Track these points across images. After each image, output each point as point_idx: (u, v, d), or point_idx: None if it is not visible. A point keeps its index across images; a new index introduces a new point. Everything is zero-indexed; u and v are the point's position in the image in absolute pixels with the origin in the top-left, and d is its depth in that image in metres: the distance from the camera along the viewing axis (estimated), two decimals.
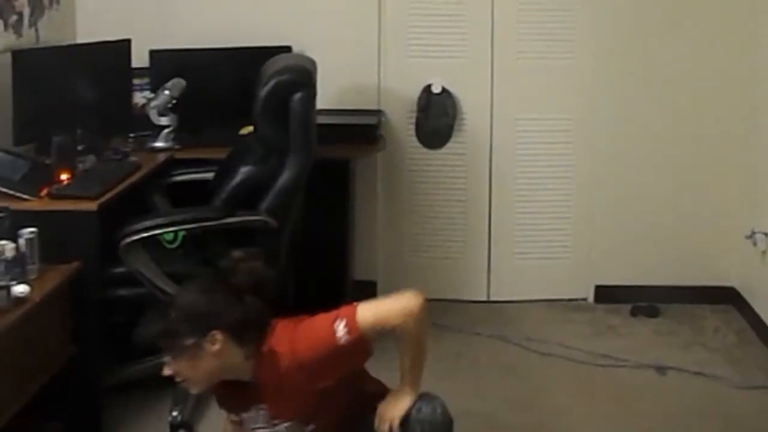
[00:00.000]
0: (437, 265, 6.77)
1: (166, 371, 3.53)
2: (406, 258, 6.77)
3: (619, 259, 6.72)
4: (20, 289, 3.92)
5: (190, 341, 3.42)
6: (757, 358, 5.84)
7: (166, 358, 3.50)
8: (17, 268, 4.00)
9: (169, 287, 4.79)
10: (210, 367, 3.50)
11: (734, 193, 6.53)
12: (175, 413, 4.86)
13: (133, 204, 5.04)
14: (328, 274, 6.05)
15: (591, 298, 6.78)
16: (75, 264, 4.44)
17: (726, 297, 6.64)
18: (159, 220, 4.90)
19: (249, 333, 3.54)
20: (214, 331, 3.43)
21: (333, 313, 3.61)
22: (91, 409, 4.71)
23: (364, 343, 3.64)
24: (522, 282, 6.76)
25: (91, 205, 4.55)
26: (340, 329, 3.52)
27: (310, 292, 5.79)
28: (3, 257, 3.93)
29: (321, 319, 3.62)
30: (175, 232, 4.97)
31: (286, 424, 3.64)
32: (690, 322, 6.41)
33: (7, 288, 3.86)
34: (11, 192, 4.55)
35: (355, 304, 3.64)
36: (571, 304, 6.74)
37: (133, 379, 5.22)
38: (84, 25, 6.43)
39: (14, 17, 5.61)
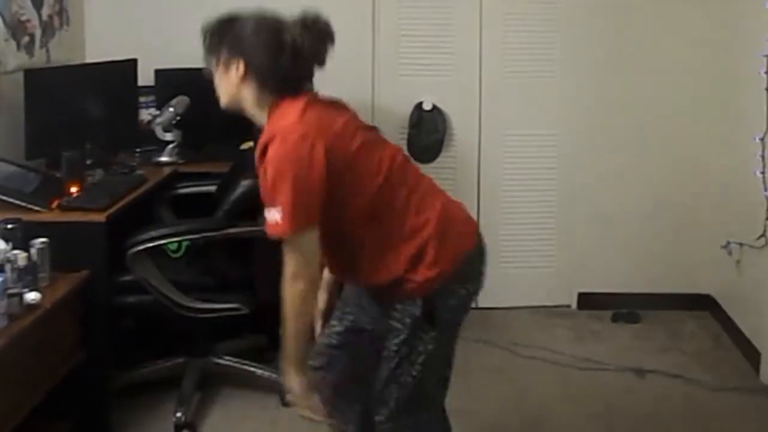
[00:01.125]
0: None
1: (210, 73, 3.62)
2: None
3: (600, 267, 6.74)
4: (32, 296, 3.92)
5: (225, 54, 3.51)
6: (731, 362, 5.85)
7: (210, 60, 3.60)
8: (29, 276, 3.99)
9: (173, 294, 4.80)
10: (230, 88, 3.56)
11: (710, 205, 6.54)
12: (179, 414, 4.86)
13: (139, 215, 5.04)
14: None
15: (574, 305, 6.80)
16: (84, 272, 4.43)
17: (702, 304, 6.66)
18: (164, 231, 4.90)
19: (268, 84, 3.52)
20: (240, 59, 3.48)
21: (286, 201, 3.25)
22: (99, 410, 4.70)
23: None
24: (508, 289, 6.74)
25: (100, 217, 4.55)
26: (274, 213, 3.27)
27: None
28: (16, 266, 3.93)
29: (280, 179, 3.28)
30: (179, 242, 4.97)
31: None
32: (668, 327, 6.42)
33: (20, 295, 3.86)
34: (23, 204, 4.54)
35: (290, 234, 3.30)
36: (555, 311, 6.75)
37: (140, 382, 5.23)
38: (92, 45, 6.44)
39: (26, 38, 5.61)
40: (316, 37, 3.63)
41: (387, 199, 3.52)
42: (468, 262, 3.67)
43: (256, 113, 3.56)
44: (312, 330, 3.69)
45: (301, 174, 3.25)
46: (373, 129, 3.87)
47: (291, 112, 3.44)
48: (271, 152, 3.30)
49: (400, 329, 3.47)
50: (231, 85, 3.55)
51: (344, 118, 3.67)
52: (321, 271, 3.74)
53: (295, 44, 3.52)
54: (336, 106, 3.77)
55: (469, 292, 3.75)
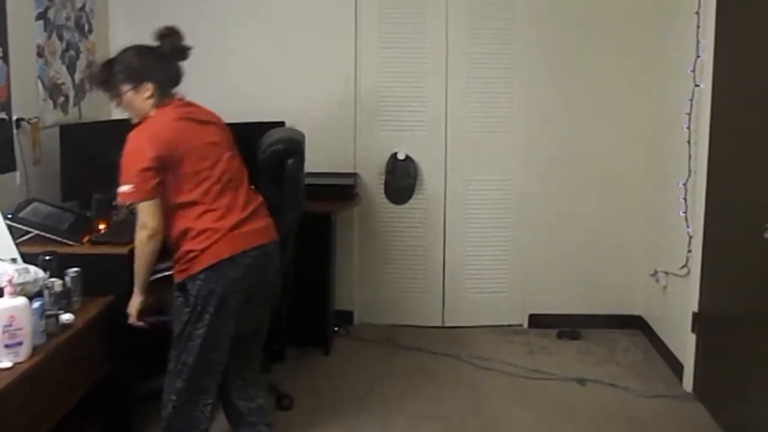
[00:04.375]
0: (402, 297, 6.78)
1: (115, 104, 4.06)
2: (377, 292, 6.78)
3: (548, 292, 6.75)
4: (66, 317, 3.92)
5: (127, 87, 3.89)
6: (659, 373, 5.86)
7: (109, 96, 4.02)
8: (64, 300, 3.99)
9: None
10: (136, 106, 3.94)
11: (640, 239, 6.58)
12: None
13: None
14: (313, 305, 6.05)
15: (525, 324, 6.79)
16: (110, 297, 4.41)
17: (634, 323, 6.68)
18: None
19: (168, 89, 3.97)
20: (147, 83, 3.89)
21: (135, 177, 3.81)
22: (124, 414, 4.67)
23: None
24: (470, 311, 6.78)
25: (124, 250, 4.53)
26: (127, 188, 3.82)
27: (299, 319, 5.83)
28: (53, 291, 3.94)
29: (133, 157, 3.84)
30: None
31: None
32: (605, 343, 6.42)
33: (56, 316, 3.87)
34: (59, 239, 4.54)
35: (135, 195, 3.83)
36: (510, 329, 6.74)
37: (158, 389, 5.21)
38: None
39: (62, 98, 5.64)
40: (172, 42, 4.01)
41: None
42: None
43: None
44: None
45: (135, 163, 3.91)
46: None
47: (152, 116, 3.95)
48: (126, 146, 3.87)
49: None
50: (133, 102, 3.94)
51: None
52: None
53: (165, 53, 3.97)
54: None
55: None
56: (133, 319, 4.12)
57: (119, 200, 3.90)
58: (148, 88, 3.88)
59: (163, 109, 3.93)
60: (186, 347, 4.01)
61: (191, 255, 3.91)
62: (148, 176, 3.78)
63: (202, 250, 3.90)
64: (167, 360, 4.13)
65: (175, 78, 3.99)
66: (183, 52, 4.00)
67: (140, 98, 3.90)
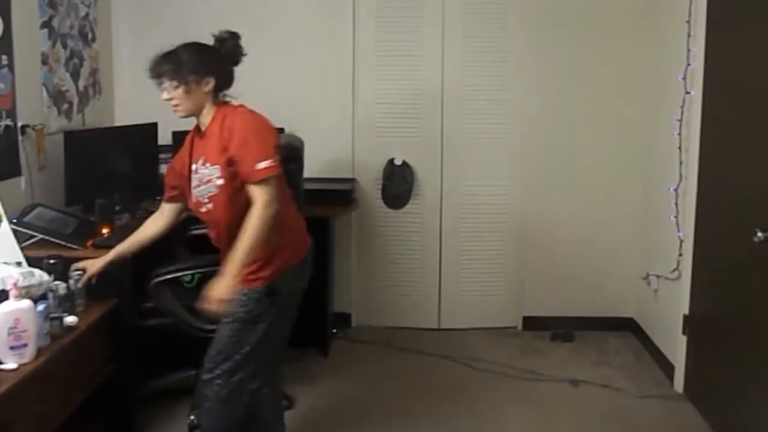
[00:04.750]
0: (399, 300, 6.79)
1: (165, 96, 3.83)
2: (374, 295, 6.79)
3: (542, 295, 6.75)
4: (70, 319, 3.92)
5: (191, 78, 3.78)
6: (650, 374, 5.87)
7: (167, 85, 3.80)
8: (68, 303, 3.99)
9: (187, 318, 4.80)
10: (194, 100, 3.81)
11: (632, 243, 6.59)
12: (192, 417, 4.83)
13: (159, 252, 5.05)
14: (313, 307, 6.04)
15: (520, 326, 6.79)
16: (113, 300, 4.42)
17: (626, 326, 6.68)
18: (180, 265, 4.90)
19: (223, 89, 3.92)
20: (209, 77, 3.82)
21: (272, 150, 3.73)
22: (126, 414, 4.69)
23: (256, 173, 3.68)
24: (465, 313, 6.78)
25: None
26: (268, 162, 3.66)
27: (298, 321, 5.81)
28: (57, 294, 3.94)
29: (265, 131, 3.81)
30: (193, 274, 4.98)
31: (209, 166, 3.79)
32: (598, 345, 6.43)
33: (60, 318, 3.87)
34: (63, 243, 4.56)
35: (265, 180, 3.68)
36: (504, 331, 6.74)
37: (159, 390, 5.23)
38: (120, 111, 6.48)
39: (66, 105, 5.64)
40: (232, 45, 4.02)
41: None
42: None
43: (206, 114, 3.86)
44: None
45: (270, 142, 3.76)
46: None
47: (237, 107, 3.91)
48: (240, 122, 3.77)
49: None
50: (195, 96, 3.81)
51: None
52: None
53: (227, 56, 3.97)
54: None
55: None
56: (220, 307, 3.64)
57: (263, 174, 3.65)
58: (209, 82, 3.83)
59: (237, 108, 3.90)
60: (268, 348, 3.95)
61: (284, 252, 3.91)
62: (276, 153, 3.74)
63: (292, 246, 3.98)
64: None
65: (230, 80, 3.98)
66: (238, 57, 4.01)
67: (201, 91, 3.82)
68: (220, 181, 3.76)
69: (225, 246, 3.85)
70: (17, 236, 4.31)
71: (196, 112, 3.87)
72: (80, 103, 5.89)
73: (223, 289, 3.58)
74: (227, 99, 3.96)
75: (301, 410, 5.25)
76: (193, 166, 3.93)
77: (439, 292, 6.78)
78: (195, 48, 3.89)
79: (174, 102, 3.82)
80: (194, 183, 3.93)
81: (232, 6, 6.43)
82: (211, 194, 3.82)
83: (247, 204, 3.69)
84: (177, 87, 3.79)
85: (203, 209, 3.92)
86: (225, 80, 3.93)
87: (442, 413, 5.26)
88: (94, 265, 4.22)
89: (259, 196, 3.66)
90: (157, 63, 3.83)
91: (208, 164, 3.81)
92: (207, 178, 3.81)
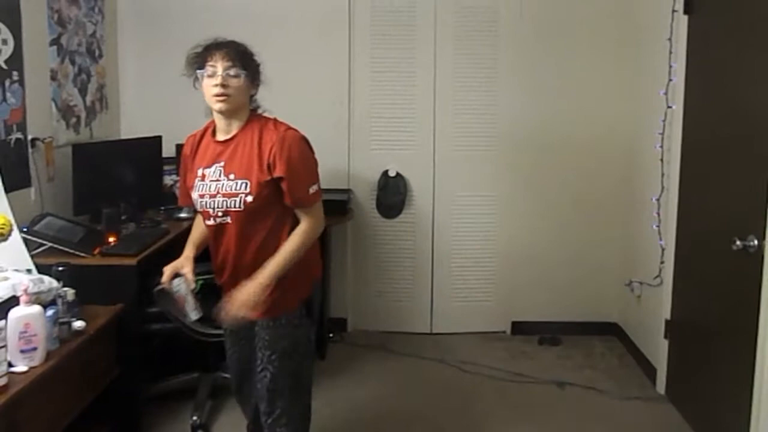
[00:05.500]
0: (392, 306, 6.79)
1: (219, 81, 3.47)
2: (369, 300, 6.79)
3: (529, 301, 6.76)
4: (78, 324, 3.92)
5: (253, 71, 3.62)
6: (633, 376, 5.87)
7: (234, 71, 3.49)
8: (76, 308, 3.99)
9: (190, 323, 4.81)
10: (245, 98, 3.59)
11: (616, 251, 6.60)
12: (195, 418, 4.86)
13: (164, 260, 5.05)
14: None
15: (508, 331, 6.79)
16: (119, 305, 4.44)
17: (610, 330, 6.69)
18: None
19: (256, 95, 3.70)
20: (259, 77, 3.69)
21: (317, 177, 3.67)
22: (132, 415, 4.70)
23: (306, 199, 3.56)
24: (457, 318, 6.78)
25: (132, 261, 4.57)
26: (315, 188, 3.59)
27: None
28: (65, 300, 3.94)
29: (311, 159, 3.68)
30: (197, 280, 4.98)
31: (234, 179, 3.49)
32: (583, 349, 6.43)
33: (69, 323, 3.87)
34: (71, 251, 4.56)
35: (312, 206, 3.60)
36: (494, 336, 6.73)
37: (164, 392, 5.23)
38: (126, 125, 6.48)
39: (74, 119, 5.64)
40: None
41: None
42: None
43: (239, 118, 3.60)
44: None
45: (316, 166, 3.66)
46: None
47: (276, 122, 3.67)
48: (289, 143, 3.50)
49: None
50: (246, 95, 3.59)
51: None
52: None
53: None
54: None
55: None
56: (244, 311, 3.47)
57: (315, 199, 3.58)
58: (258, 86, 3.67)
59: (279, 124, 3.65)
60: (310, 363, 3.87)
61: (313, 268, 3.80)
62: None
63: (317, 260, 3.84)
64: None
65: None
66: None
67: (249, 92, 3.61)
68: (249, 198, 3.47)
69: (233, 262, 3.66)
70: (27, 244, 4.33)
71: (236, 111, 3.57)
72: (88, 117, 5.89)
73: (251, 294, 3.43)
74: (260, 109, 3.73)
75: None
76: (204, 171, 3.59)
77: (431, 298, 6.78)
78: (248, 46, 3.68)
79: (229, 91, 3.47)
80: (203, 190, 3.59)
81: (234, 23, 6.42)
82: (232, 209, 3.51)
83: (275, 225, 3.55)
84: (240, 77, 3.50)
85: (215, 221, 3.60)
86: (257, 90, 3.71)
87: (434, 414, 5.26)
88: (186, 265, 3.82)
89: (310, 217, 3.56)
90: (233, 46, 3.57)
91: (232, 176, 3.50)
92: (230, 191, 3.49)
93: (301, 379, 3.76)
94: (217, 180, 3.54)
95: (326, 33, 6.48)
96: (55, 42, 5.35)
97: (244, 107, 3.61)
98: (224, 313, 3.49)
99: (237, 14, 6.41)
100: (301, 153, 3.54)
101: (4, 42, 4.67)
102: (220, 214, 3.56)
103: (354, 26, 6.47)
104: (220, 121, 3.63)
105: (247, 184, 3.47)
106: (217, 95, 3.48)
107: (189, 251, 3.89)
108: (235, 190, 3.48)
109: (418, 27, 6.45)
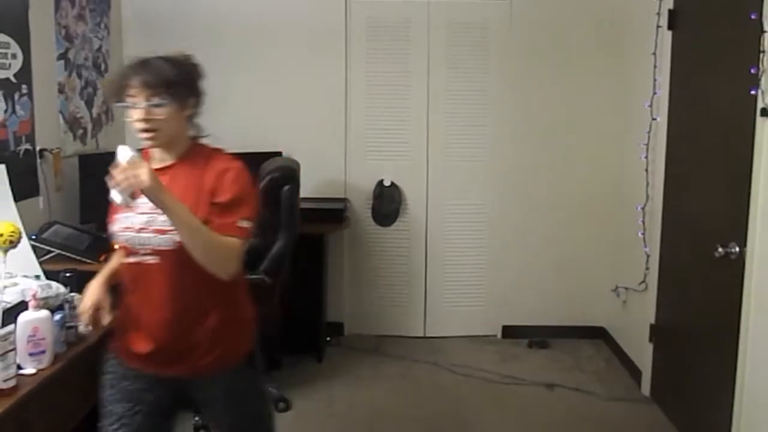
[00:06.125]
0: (387, 310, 6.79)
1: (141, 115, 2.82)
2: (365, 305, 6.79)
3: (519, 306, 6.76)
4: (84, 328, 3.94)
5: (182, 94, 2.86)
6: (620, 378, 5.88)
7: (156, 101, 2.80)
8: None
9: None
10: (176, 126, 2.86)
11: (603, 258, 6.60)
12: (196, 418, 4.86)
13: None
14: (308, 317, 6.07)
15: (499, 335, 6.79)
16: None
17: (597, 334, 6.70)
18: None
19: (196, 116, 2.98)
20: (196, 99, 2.94)
21: (254, 215, 2.88)
22: None
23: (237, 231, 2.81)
24: (449, 322, 6.79)
25: None
26: (247, 224, 2.81)
27: (295, 330, 5.84)
28: (72, 305, 3.93)
29: (253, 194, 2.95)
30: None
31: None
32: (571, 352, 6.44)
33: (75, 328, 3.85)
34: (79, 257, 4.57)
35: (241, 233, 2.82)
36: (485, 339, 6.74)
37: None
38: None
39: (81, 131, 5.65)
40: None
41: None
42: None
43: (177, 147, 2.93)
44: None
45: (257, 203, 2.92)
46: None
47: (221, 151, 3.04)
48: (236, 177, 2.87)
49: None
50: (179, 123, 2.88)
51: None
52: None
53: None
54: None
55: None
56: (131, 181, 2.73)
57: (245, 235, 2.84)
58: (193, 105, 2.96)
59: (224, 154, 3.04)
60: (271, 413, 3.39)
61: (249, 322, 3.18)
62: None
63: (250, 316, 3.19)
64: None
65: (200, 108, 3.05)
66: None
67: (183, 115, 2.91)
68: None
69: (151, 321, 3.00)
70: (36, 251, 4.33)
71: (171, 143, 2.92)
72: (94, 128, 5.89)
73: (150, 175, 2.65)
74: (202, 134, 3.06)
75: (298, 411, 5.26)
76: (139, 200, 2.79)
77: (424, 302, 6.78)
78: (178, 59, 2.99)
79: (155, 125, 2.83)
80: (126, 224, 2.95)
81: (235, 39, 6.45)
82: (160, 247, 2.84)
83: (218, 282, 2.84)
84: (166, 106, 2.82)
85: (136, 259, 2.93)
86: (200, 107, 3.01)
87: (427, 414, 5.27)
88: (97, 294, 3.16)
89: (234, 256, 2.84)
90: (153, 69, 2.87)
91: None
92: (160, 228, 2.82)
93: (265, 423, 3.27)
94: (149, 213, 2.84)
95: (324, 48, 6.48)
96: (63, 56, 5.36)
97: (180, 135, 2.91)
98: (120, 174, 2.73)
99: (237, 30, 6.43)
100: (247, 185, 2.92)
101: (14, 56, 4.68)
102: (144, 251, 2.89)
103: (350, 41, 6.48)
104: (154, 149, 2.99)
105: None
106: (142, 131, 2.86)
107: (104, 276, 3.26)
108: (168, 225, 2.77)
109: (411, 42, 6.47)
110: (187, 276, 2.84)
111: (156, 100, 2.81)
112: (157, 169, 2.81)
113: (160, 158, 2.97)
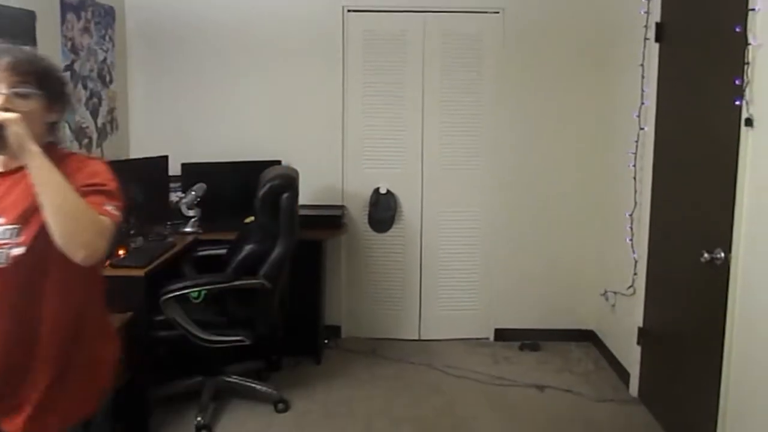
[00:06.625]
0: (383, 313, 6.78)
1: (6, 102, 2.33)
2: (362, 309, 6.78)
3: (511, 309, 6.76)
4: None
5: (50, 93, 2.47)
6: (608, 380, 5.88)
7: (21, 91, 2.37)
8: None
9: (195, 330, 4.82)
10: (37, 128, 2.41)
11: (592, 263, 6.60)
12: (199, 418, 4.86)
13: (170, 271, 5.06)
14: (306, 320, 6.06)
15: (491, 337, 6.79)
16: (129, 313, 4.45)
17: (586, 337, 6.69)
18: (188, 283, 4.92)
19: (58, 126, 2.61)
20: (59, 105, 2.54)
21: (120, 198, 2.53)
22: (141, 416, 4.72)
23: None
24: (443, 325, 6.78)
25: (140, 273, 4.59)
26: (113, 208, 2.45)
27: (294, 332, 5.83)
28: None
29: (115, 179, 2.57)
30: (200, 291, 4.98)
31: (9, 225, 2.38)
32: (561, 354, 6.43)
33: None
34: None
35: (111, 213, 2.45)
36: (478, 342, 6.73)
37: (171, 395, 5.22)
38: (135, 145, 6.47)
39: (86, 140, 5.65)
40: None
41: None
42: None
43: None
44: None
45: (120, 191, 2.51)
46: None
47: (75, 154, 2.66)
48: (98, 167, 2.55)
49: None
50: (40, 123, 2.45)
51: None
52: None
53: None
54: None
55: None
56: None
57: (114, 219, 2.45)
58: (58, 111, 2.56)
59: (86, 157, 2.67)
60: None
61: (112, 355, 2.92)
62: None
63: (111, 363, 2.91)
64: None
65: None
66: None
67: (44, 118, 2.48)
68: (18, 251, 2.40)
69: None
70: None
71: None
72: (99, 138, 5.89)
73: (23, 129, 2.27)
74: (61, 145, 2.64)
75: (297, 412, 5.26)
76: None
77: (419, 306, 6.78)
78: (50, 59, 2.58)
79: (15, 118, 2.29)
80: None
81: (236, 51, 6.45)
82: None
83: (70, 300, 2.55)
84: (31, 97, 2.40)
85: None
86: (63, 117, 2.63)
87: (421, 415, 5.26)
88: None
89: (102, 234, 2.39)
90: (23, 55, 2.44)
91: (2, 220, 2.41)
92: None
93: None
94: None
95: (322, 59, 6.48)
96: (69, 68, 5.36)
97: (38, 138, 2.35)
98: None
99: (238, 41, 6.43)
100: (111, 177, 2.56)
101: None
102: None
103: (347, 52, 6.48)
104: None
105: (16, 229, 2.41)
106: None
107: None
108: (4, 239, 2.39)
109: (408, 55, 6.47)
110: (26, 301, 2.44)
111: (22, 89, 2.38)
112: (1, 174, 2.48)
113: (3, 162, 2.50)
